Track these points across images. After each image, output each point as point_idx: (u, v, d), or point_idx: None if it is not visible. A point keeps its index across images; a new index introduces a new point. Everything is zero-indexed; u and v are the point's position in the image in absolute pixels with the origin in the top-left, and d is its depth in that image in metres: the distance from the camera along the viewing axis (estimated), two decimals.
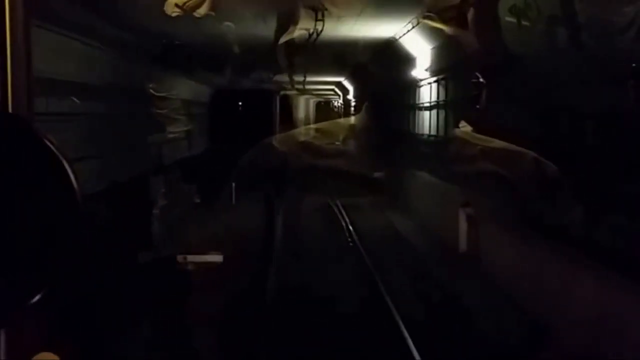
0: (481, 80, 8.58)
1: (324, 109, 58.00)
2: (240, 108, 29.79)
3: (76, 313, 6.62)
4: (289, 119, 33.84)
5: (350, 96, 35.30)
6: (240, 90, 28.62)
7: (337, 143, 27.05)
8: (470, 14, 9.31)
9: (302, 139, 30.91)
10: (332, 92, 42.71)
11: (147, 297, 8.71)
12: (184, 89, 18.31)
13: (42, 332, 3.10)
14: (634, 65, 5.45)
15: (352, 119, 36.12)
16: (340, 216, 16.27)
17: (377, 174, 21.41)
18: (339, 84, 35.73)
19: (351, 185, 21.94)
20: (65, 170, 2.48)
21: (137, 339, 7.19)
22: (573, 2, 6.13)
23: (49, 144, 2.54)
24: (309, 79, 28.39)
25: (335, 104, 57.30)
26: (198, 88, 22.24)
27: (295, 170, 24.20)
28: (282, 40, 12.75)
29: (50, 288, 2.49)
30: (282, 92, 32.64)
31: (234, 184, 18.88)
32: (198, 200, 14.98)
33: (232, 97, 29.72)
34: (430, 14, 8.71)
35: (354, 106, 39.30)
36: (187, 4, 10.03)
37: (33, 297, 2.40)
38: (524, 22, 7.06)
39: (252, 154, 21.58)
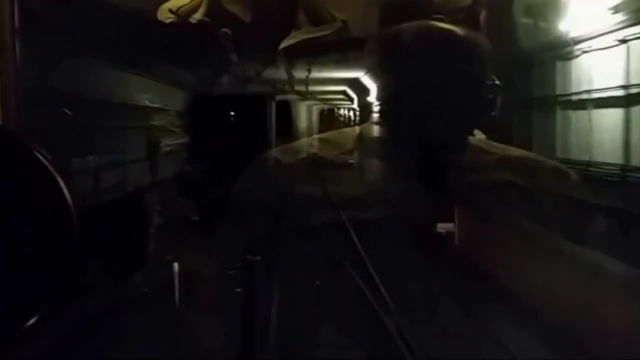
0: (497, 82, 8.46)
1: (328, 118, 55.67)
2: (231, 118, 26.88)
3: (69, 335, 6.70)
4: (287, 131, 34.92)
5: (370, 98, 32.72)
6: (225, 95, 25.25)
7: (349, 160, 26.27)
8: (482, 15, 9.37)
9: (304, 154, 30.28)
10: (341, 98, 38.86)
11: (141, 318, 8.81)
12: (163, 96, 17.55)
13: (35, 357, 3.12)
14: None
15: (358, 129, 35.64)
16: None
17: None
18: (354, 82, 31.19)
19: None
20: (59, 186, 2.49)
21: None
22: None
23: (41, 157, 2.54)
24: (313, 83, 27.73)
25: (342, 112, 55.36)
26: (166, 91, 19.22)
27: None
28: (283, 45, 12.78)
29: (45, 311, 2.50)
30: (278, 98, 31.92)
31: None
32: (196, 218, 14.80)
33: (213, 104, 25.74)
34: (440, 16, 8.69)
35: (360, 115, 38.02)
36: (181, 9, 10.07)
37: (27, 320, 2.42)
38: (541, 24, 7.10)
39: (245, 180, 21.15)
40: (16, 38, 2.70)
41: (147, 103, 14.78)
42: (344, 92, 31.42)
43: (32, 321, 2.44)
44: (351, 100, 32.40)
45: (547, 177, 6.29)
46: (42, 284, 2.43)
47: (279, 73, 18.83)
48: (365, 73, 18.49)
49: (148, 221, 13.13)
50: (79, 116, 11.03)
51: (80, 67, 11.60)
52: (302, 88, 25.21)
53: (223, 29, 13.80)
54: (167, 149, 15.22)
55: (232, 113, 20.77)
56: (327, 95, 35.28)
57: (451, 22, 8.71)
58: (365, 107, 25.61)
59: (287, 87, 21.90)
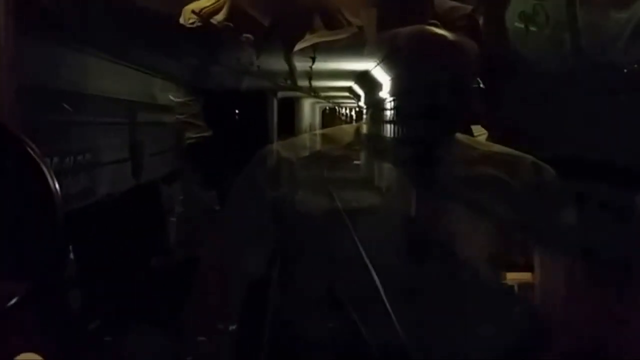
0: (481, 85, 8.55)
1: (330, 118, 53.64)
2: (236, 116, 23.13)
3: (64, 314, 6.81)
4: (289, 130, 32.22)
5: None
6: (222, 91, 20.76)
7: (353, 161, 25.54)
8: (481, 22, 9.46)
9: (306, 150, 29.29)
10: (346, 95, 38.08)
11: (156, 301, 8.91)
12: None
13: (26, 333, 3.29)
14: (625, 71, 5.55)
15: (355, 125, 35.07)
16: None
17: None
18: (363, 75, 29.07)
19: None
20: (45, 176, 2.66)
21: (139, 342, 7.37)
22: (575, 7, 6.24)
23: (29, 150, 2.72)
24: (318, 78, 26.13)
25: (343, 111, 53.87)
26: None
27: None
28: (297, 48, 12.84)
29: (28, 291, 2.67)
30: (280, 95, 28.48)
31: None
32: (218, 207, 14.90)
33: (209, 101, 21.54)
34: (435, 22, 8.74)
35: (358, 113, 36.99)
36: (204, 10, 10.20)
37: (9, 300, 2.58)
38: (532, 28, 7.19)
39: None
40: (10, 30, 2.84)
41: (172, 98, 14.96)
42: (349, 89, 29.43)
43: (14, 300, 2.61)
44: (357, 97, 30.32)
45: (526, 171, 6.53)
46: (25, 266, 2.61)
47: (278, 64, 17.46)
48: (377, 65, 18.03)
49: (170, 210, 13.30)
50: (82, 113, 10.99)
51: (85, 64, 11.54)
52: (305, 83, 23.50)
53: (246, 35, 13.91)
54: (190, 141, 15.36)
55: (237, 111, 20.07)
56: (332, 92, 33.22)
57: (453, 29, 8.82)
58: (374, 105, 24.87)
59: (289, 82, 19.86)
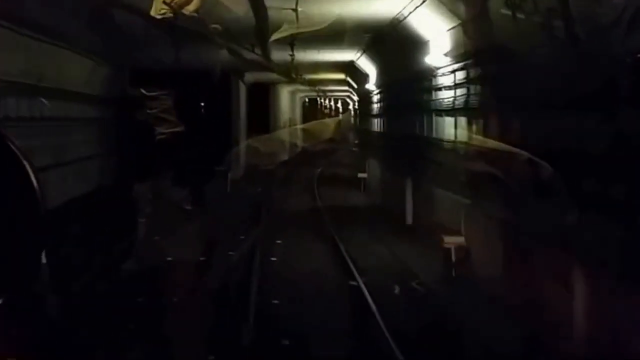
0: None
1: (311, 110, 51.48)
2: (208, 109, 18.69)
3: (42, 319, 6.72)
4: (262, 126, 25.98)
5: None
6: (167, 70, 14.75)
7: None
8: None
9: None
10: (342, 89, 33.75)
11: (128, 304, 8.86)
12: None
13: (6, 339, 3.20)
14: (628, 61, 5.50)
15: (337, 120, 34.88)
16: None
17: (360, 175, 21.97)
18: (349, 67, 24.25)
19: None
20: (28, 174, 2.58)
21: (114, 347, 7.33)
22: None
23: (13, 148, 2.64)
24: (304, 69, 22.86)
25: (325, 102, 51.90)
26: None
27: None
28: (274, 37, 12.81)
29: (11, 294, 2.58)
30: (246, 77, 23.71)
31: (229, 174, 18.84)
32: (189, 207, 14.83)
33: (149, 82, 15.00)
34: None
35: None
36: (175, 1, 10.07)
37: None
38: (519, 15, 7.18)
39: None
40: None
41: (143, 92, 14.65)
42: (345, 82, 27.13)
43: None
44: (352, 87, 27.55)
45: (521, 167, 6.49)
46: (8, 266, 2.52)
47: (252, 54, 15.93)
48: (361, 55, 17.43)
49: (139, 211, 13.11)
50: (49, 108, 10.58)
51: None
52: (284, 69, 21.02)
53: (214, 25, 13.76)
54: (161, 137, 15.11)
55: (208, 105, 18.88)
56: (324, 85, 31.09)
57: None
58: (364, 97, 23.51)
59: (263, 61, 16.88)
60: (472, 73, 10.48)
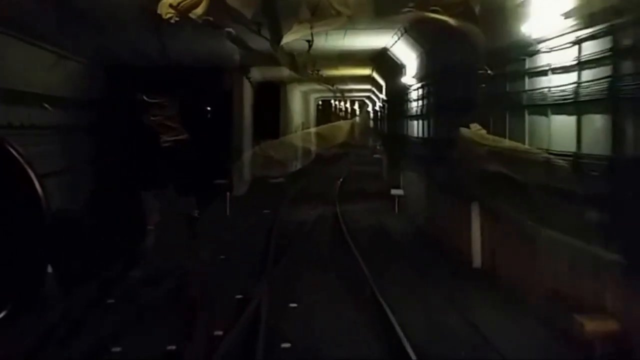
0: (489, 72, 8.41)
1: (324, 113, 49.82)
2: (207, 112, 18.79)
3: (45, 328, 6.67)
4: (271, 131, 25.08)
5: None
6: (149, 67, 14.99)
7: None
8: (477, 7, 9.38)
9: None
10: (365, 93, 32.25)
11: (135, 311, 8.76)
12: None
13: (9, 348, 3.17)
14: None
15: (350, 122, 34.34)
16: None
17: (394, 191, 19.46)
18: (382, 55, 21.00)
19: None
20: (33, 183, 2.56)
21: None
22: None
23: (17, 156, 2.61)
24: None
25: (340, 105, 51.03)
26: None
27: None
28: (285, 40, 12.73)
29: (17, 303, 2.56)
30: (249, 77, 21.96)
31: (228, 194, 18.62)
32: (197, 215, 14.63)
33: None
34: (437, 8, 8.73)
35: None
36: (182, 4, 10.06)
37: None
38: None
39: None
40: None
41: (145, 99, 14.65)
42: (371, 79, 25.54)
43: (3, 314, 2.49)
44: (377, 86, 25.94)
45: (538, 168, 6.40)
46: (14, 276, 2.49)
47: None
48: (400, 37, 15.85)
49: (147, 219, 13.06)
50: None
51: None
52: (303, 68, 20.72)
53: (227, 29, 13.70)
54: (166, 145, 15.07)
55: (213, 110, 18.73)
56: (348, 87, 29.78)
57: (449, 15, 8.80)
58: (395, 94, 21.85)
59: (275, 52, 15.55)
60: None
